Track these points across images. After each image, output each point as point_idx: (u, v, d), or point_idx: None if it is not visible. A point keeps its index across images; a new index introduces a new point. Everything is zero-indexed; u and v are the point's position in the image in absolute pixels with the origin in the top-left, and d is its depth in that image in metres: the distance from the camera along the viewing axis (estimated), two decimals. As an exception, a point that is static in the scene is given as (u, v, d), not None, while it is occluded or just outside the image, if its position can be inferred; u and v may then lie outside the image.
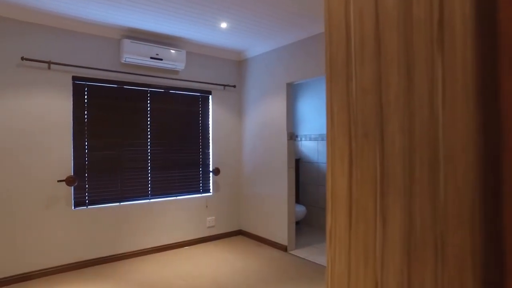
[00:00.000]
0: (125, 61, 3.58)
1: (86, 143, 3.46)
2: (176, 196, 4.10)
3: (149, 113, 3.89)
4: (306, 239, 4.42)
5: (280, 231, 4.04)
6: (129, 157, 3.74)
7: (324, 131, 4.81)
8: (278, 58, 4.04)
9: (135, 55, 3.55)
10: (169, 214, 4.01)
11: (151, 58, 3.67)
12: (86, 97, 3.46)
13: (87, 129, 3.47)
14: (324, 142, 4.80)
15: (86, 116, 3.46)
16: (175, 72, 4.08)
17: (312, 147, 4.98)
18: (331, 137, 0.76)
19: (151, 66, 3.78)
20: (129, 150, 3.74)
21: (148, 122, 3.88)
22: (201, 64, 4.31)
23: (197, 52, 4.24)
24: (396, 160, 0.64)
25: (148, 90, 3.88)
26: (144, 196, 3.85)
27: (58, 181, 3.24)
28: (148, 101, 3.89)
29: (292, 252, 3.95)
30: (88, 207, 3.47)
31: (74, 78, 3.38)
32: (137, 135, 3.80)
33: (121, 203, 3.67)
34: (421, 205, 0.59)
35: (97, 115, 3.53)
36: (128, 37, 3.66)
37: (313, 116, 4.97)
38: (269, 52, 4.18)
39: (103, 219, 3.54)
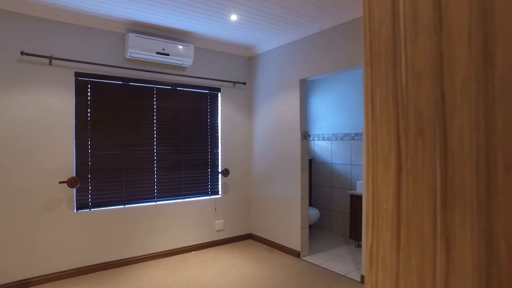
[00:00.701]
0: (130, 56, 3.48)
1: (89, 143, 3.38)
2: (184, 198, 4.00)
3: (155, 111, 3.79)
4: (319, 244, 4.27)
5: (293, 236, 3.90)
6: (134, 157, 3.65)
7: (338, 130, 4.65)
8: (291, 53, 3.91)
9: (141, 50, 3.46)
10: (176, 217, 3.91)
11: (157, 53, 3.57)
12: (89, 94, 3.38)
13: (90, 128, 3.39)
14: (338, 142, 4.64)
15: (89, 114, 3.38)
16: (183, 68, 3.98)
17: (326, 147, 4.83)
18: (371, 135, 0.62)
19: (157, 61, 3.68)
20: (134, 150, 3.65)
21: (154, 121, 3.79)
22: (210, 60, 4.20)
23: (205, 48, 4.13)
24: (466, 163, 0.50)
25: (154, 87, 3.78)
26: (150, 198, 3.76)
27: (59, 182, 3.16)
28: (154, 99, 3.79)
29: (305, 258, 3.80)
30: (91, 209, 3.38)
31: (77, 75, 3.29)
32: (142, 134, 3.70)
33: (125, 206, 3.58)
34: (507, 223, 0.45)
35: (100, 113, 3.44)
36: (133, 31, 3.56)
37: (326, 115, 4.81)
38: (280, 47, 4.04)
39: (107, 222, 3.46)
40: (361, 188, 4.10)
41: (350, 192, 4.14)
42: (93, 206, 3.41)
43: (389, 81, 0.60)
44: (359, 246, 4.18)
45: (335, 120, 4.69)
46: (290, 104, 3.92)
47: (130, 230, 3.60)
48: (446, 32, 0.52)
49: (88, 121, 3.38)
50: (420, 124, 0.56)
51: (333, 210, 4.75)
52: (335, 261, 3.72)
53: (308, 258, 3.80)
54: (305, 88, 3.87)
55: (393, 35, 0.60)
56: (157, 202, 3.80)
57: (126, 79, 3.58)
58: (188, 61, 3.81)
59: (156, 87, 3.80)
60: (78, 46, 3.30)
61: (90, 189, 3.39)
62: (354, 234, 4.13)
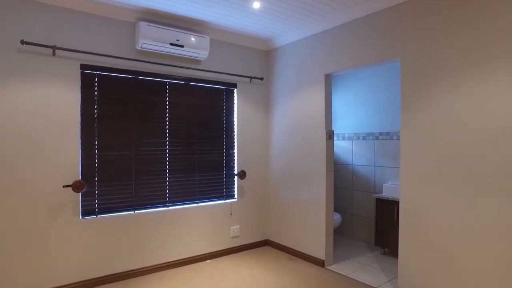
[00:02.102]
0: (141, 47, 3.09)
1: (96, 143, 2.99)
2: (197, 202, 3.61)
3: (168, 108, 3.41)
4: (342, 252, 3.90)
5: (317, 243, 3.53)
6: (145, 158, 3.26)
7: (360, 130, 4.28)
8: (313, 46, 3.53)
9: (153, 40, 3.07)
10: (189, 223, 3.53)
11: (171, 44, 3.18)
12: (96, 89, 2.99)
13: (97, 126, 3.00)
14: (360, 142, 4.27)
15: (96, 111, 2.99)
16: (197, 61, 3.59)
17: (346, 147, 4.46)
18: None
19: (170, 54, 3.29)
20: (145, 150, 3.26)
21: (167, 119, 3.40)
22: (226, 54, 3.81)
23: (221, 40, 3.75)
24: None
25: (166, 81, 3.39)
26: (162, 203, 3.37)
27: (63, 186, 2.77)
28: (167, 95, 3.40)
29: (330, 267, 3.43)
30: (98, 216, 2.99)
31: (83, 67, 2.90)
32: (154, 133, 3.32)
33: (135, 212, 3.20)
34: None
35: (108, 109, 3.06)
36: (145, 19, 3.17)
37: (347, 113, 4.44)
38: (302, 40, 3.66)
39: (115, 229, 3.07)
40: (388, 191, 3.73)
41: (376, 195, 3.77)
42: (100, 212, 3.02)
43: None
44: (385, 253, 3.81)
45: (357, 118, 4.32)
46: (313, 101, 3.55)
47: (141, 238, 3.21)
48: None
49: (95, 118, 2.99)
50: None
51: (354, 214, 4.38)
52: (363, 271, 3.35)
53: (333, 268, 3.43)
54: (330, 84, 3.50)
55: None
56: (170, 207, 3.41)
57: (136, 73, 3.19)
58: (203, 54, 3.43)
59: (169, 82, 3.41)
60: (84, 35, 2.91)
61: (97, 194, 3.00)
62: (380, 241, 3.76)
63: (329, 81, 3.47)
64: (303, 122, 3.66)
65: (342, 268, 3.42)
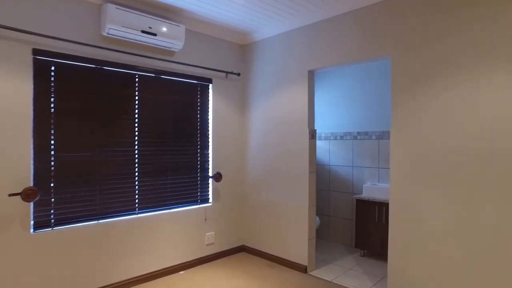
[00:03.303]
0: (107, 33, 2.65)
1: (53, 142, 2.50)
2: (170, 208, 3.22)
3: (137, 104, 2.98)
4: (322, 255, 3.72)
5: (298, 248, 3.30)
6: (111, 160, 2.82)
7: (337, 129, 4.14)
8: (296, 41, 3.30)
9: (122, 26, 2.64)
10: (161, 231, 3.13)
11: (143, 32, 2.77)
12: (52, 79, 2.50)
13: (55, 123, 2.51)
14: (337, 142, 4.13)
15: (53, 105, 2.50)
16: (171, 53, 3.20)
17: (323, 147, 4.30)
18: None
19: (141, 43, 2.88)
20: (111, 151, 2.82)
21: (136, 115, 2.98)
22: (201, 46, 3.46)
23: (197, 31, 3.39)
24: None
25: (136, 74, 2.97)
26: (130, 210, 2.94)
27: (9, 195, 2.26)
28: (136, 88, 2.98)
29: (313, 273, 3.23)
30: (54, 228, 2.51)
31: (36, 52, 2.40)
32: (121, 131, 2.88)
33: (99, 221, 2.74)
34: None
35: (68, 104, 2.58)
36: (113, 1, 2.73)
37: (324, 112, 4.28)
38: (283, 34, 3.42)
39: (76, 243, 2.60)
40: (368, 192, 3.62)
41: (356, 196, 3.64)
42: (57, 223, 2.53)
43: None
44: (365, 255, 3.70)
45: (334, 118, 4.17)
46: (295, 98, 3.32)
47: (106, 251, 2.76)
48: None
49: (52, 113, 2.50)
50: None
51: (331, 216, 4.23)
52: (346, 275, 3.18)
53: (317, 273, 3.23)
54: (313, 81, 3.29)
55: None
56: (139, 215, 2.99)
57: (101, 62, 2.74)
58: (178, 45, 3.05)
59: (139, 74, 2.99)
60: (39, 14, 2.41)
61: (53, 202, 2.51)
62: (361, 243, 3.64)
63: (312, 78, 3.26)
64: (284, 121, 3.42)
65: (325, 273, 3.23)
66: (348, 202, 4.05)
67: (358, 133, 3.94)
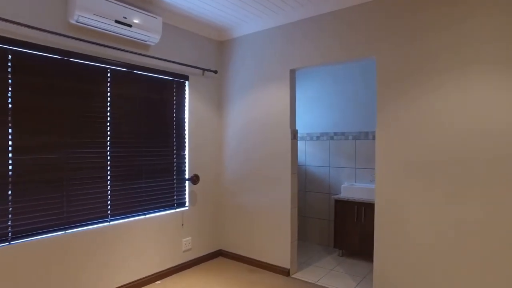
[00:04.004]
0: (76, 21, 2.35)
1: (11, 143, 2.16)
2: (145, 214, 2.96)
3: (109, 101, 2.69)
4: (302, 257, 3.64)
5: (281, 251, 3.19)
6: (80, 163, 2.50)
7: (313, 129, 4.10)
8: (277, 39, 3.19)
9: (94, 14, 2.35)
10: (135, 239, 2.85)
11: (117, 22, 2.50)
12: (9, 70, 2.15)
13: (12, 120, 2.17)
14: (314, 143, 4.10)
15: (10, 101, 2.15)
16: (146, 47, 2.94)
17: (299, 148, 4.23)
18: None
19: (114, 34, 2.59)
20: (80, 153, 2.50)
21: (108, 113, 2.68)
22: (178, 41, 3.23)
23: (174, 24, 3.15)
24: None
25: (108, 68, 2.68)
26: (102, 217, 2.64)
27: (-40, 205, 1.90)
28: (108, 84, 2.69)
29: (296, 276, 3.14)
30: (12, 242, 2.16)
31: (-9, 39, 2.06)
32: (91, 131, 2.57)
33: (67, 232, 2.42)
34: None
35: (29, 99, 2.24)
36: (81, -14, 2.43)
37: (300, 113, 4.22)
38: (266, 31, 3.29)
39: (39, 258, 2.26)
40: (347, 192, 3.61)
41: (335, 197, 3.62)
42: (16, 236, 2.18)
43: None
44: (343, 255, 3.69)
45: (310, 118, 4.13)
46: (277, 98, 3.21)
47: (75, 265, 2.44)
48: None
49: (9, 110, 2.15)
50: None
51: (308, 216, 4.18)
52: (329, 276, 3.13)
53: (299, 276, 3.14)
54: (295, 80, 3.21)
55: None
56: (112, 222, 2.70)
57: (68, 53, 2.42)
58: (154, 38, 2.81)
59: (111, 69, 2.70)
60: (-7, -6, 2.06)
61: (11, 212, 2.16)
62: (340, 243, 3.62)
63: (294, 77, 3.17)
64: (265, 121, 3.29)
65: (307, 275, 3.15)
66: (324, 202, 4.03)
67: (335, 133, 3.93)
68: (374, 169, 3.65)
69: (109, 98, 2.68)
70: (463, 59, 2.21)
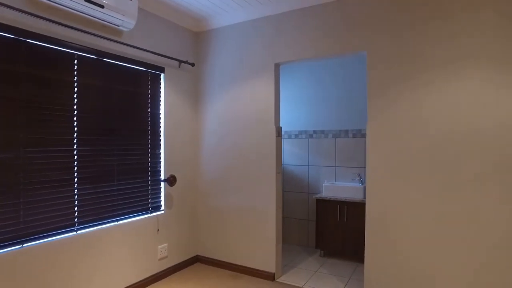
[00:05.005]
0: (37, -5, 1.97)
1: (-48, 140, 1.73)
2: (117, 220, 2.60)
3: (76, 92, 2.31)
4: (284, 260, 3.48)
5: (265, 255, 3.00)
6: (41, 163, 2.11)
7: (292, 127, 3.96)
8: (264, 30, 3.00)
9: (58, -12, 1.98)
10: (106, 249, 2.49)
11: (87, 1, 2.14)
12: (-49, 50, 1.73)
13: (-45, 112, 1.74)
14: (292, 141, 3.96)
15: (-49, 88, 1.73)
16: (118, 32, 2.59)
17: (277, 146, 4.07)
18: None
19: (83, 15, 2.22)
20: (41, 151, 2.11)
21: (75, 107, 2.30)
22: (154, 29, 2.90)
23: (149, 10, 2.82)
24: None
25: (75, 54, 2.30)
26: (68, 226, 2.25)
27: None
28: (75, 73, 2.30)
29: (281, 280, 2.96)
30: (-44, 260, 1.74)
31: None
32: (55, 127, 2.18)
33: (24, 245, 2.02)
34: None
35: (-24, 86, 1.82)
36: (43, -44, 2.04)
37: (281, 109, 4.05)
38: (248, 22, 3.07)
39: (-10, 278, 1.85)
40: (328, 191, 3.50)
41: (316, 196, 3.50)
42: (-40, 254, 1.76)
43: None
44: (324, 255, 3.58)
45: (289, 116, 3.98)
46: (260, 93, 3.01)
47: (36, 284, 2.04)
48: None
49: (-51, 99, 1.72)
50: None
51: (286, 217, 4.03)
52: (315, 278, 3.00)
53: (284, 279, 2.97)
54: (279, 75, 3.03)
55: None
56: (79, 232, 2.32)
57: (26, 33, 2.02)
58: (128, 23, 2.47)
59: (78, 55, 2.32)
60: None
61: (-47, 225, 1.74)
62: (322, 243, 3.50)
63: (278, 71, 3.00)
64: (247, 117, 3.08)
65: (293, 278, 2.99)
66: (304, 202, 3.90)
67: (314, 131, 3.82)
68: (355, 167, 3.59)
69: (76, 89, 2.30)
70: (455, 55, 2.18)
